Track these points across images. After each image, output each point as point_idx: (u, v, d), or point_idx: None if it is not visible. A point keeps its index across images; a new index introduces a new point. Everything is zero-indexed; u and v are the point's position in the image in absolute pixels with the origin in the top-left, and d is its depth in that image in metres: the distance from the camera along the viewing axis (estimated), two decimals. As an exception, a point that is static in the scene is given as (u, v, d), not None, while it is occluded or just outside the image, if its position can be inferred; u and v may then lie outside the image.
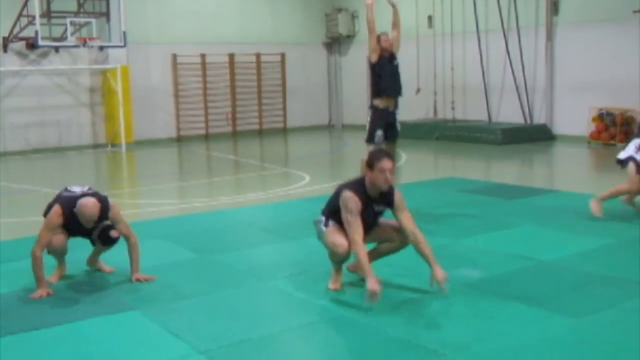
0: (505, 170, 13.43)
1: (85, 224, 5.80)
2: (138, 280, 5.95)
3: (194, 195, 11.06)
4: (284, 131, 21.50)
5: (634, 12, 14.99)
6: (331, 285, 5.63)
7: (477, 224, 7.97)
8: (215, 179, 13.09)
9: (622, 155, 8.00)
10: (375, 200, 5.42)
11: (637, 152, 7.83)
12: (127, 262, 6.03)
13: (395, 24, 8.77)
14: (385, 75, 8.86)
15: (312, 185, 11.21)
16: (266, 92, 21.29)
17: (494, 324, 4.84)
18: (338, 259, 5.51)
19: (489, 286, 5.66)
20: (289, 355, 4.60)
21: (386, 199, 5.43)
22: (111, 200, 6.04)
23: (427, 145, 16.85)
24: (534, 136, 16.95)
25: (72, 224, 5.85)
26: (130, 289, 5.81)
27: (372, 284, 4.97)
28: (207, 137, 19.98)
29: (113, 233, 6.02)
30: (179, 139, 19.55)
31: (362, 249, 5.25)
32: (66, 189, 6.03)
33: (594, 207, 8.03)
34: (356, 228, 5.24)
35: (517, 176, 12.64)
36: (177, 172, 14.63)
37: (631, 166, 7.85)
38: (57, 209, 5.77)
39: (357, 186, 5.39)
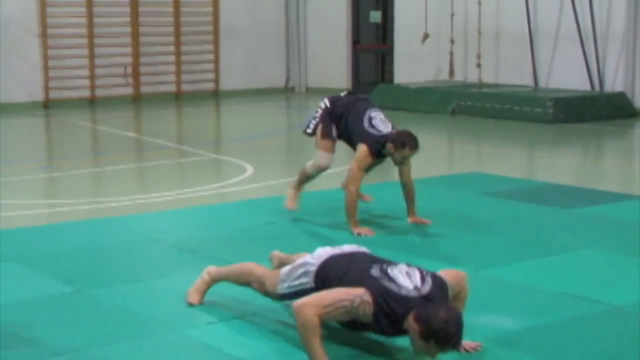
0: (559, 163, 13.50)
1: None
2: None
3: (70, 193, 10.99)
4: (216, 96, 21.51)
5: None
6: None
7: (514, 246, 8.01)
8: (105, 167, 13.02)
9: None
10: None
11: None
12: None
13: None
14: None
15: (256, 180, 11.24)
16: (188, 34, 21.25)
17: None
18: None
19: (530, 343, 5.67)
20: None
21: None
22: None
23: (440, 122, 16.93)
24: (606, 111, 17.15)
25: None
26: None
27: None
28: (92, 103, 19.92)
29: None
30: (48, 104, 19.45)
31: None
32: None
33: None
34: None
35: (576, 173, 12.74)
36: (45, 157, 14.53)
37: None
38: None
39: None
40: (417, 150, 8.10)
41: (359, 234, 7.96)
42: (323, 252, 5.52)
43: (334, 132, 8.55)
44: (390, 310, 4.87)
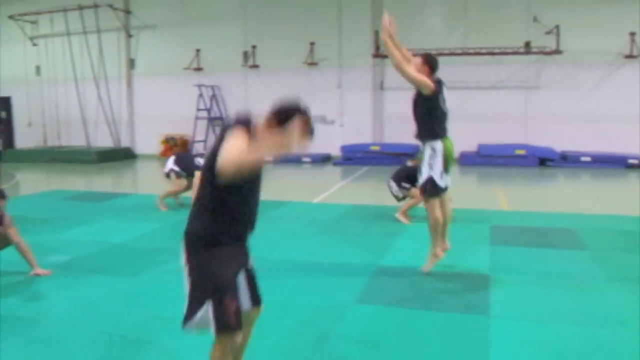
0: (101, 181, 13.37)
1: None
2: None
3: None
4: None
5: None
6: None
7: (70, 222, 7.78)
8: None
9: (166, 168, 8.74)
10: None
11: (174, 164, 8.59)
12: None
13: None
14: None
15: None
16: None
17: (83, 296, 4.82)
18: None
19: (75, 265, 5.68)
20: None
21: None
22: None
23: (40, 167, 15.96)
24: (122, 156, 17.21)
25: None
26: None
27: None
28: None
29: None
30: None
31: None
32: None
33: (161, 204, 8.68)
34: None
35: (109, 185, 12.72)
36: None
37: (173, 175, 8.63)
38: None
39: None
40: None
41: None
42: None
43: None
44: None
